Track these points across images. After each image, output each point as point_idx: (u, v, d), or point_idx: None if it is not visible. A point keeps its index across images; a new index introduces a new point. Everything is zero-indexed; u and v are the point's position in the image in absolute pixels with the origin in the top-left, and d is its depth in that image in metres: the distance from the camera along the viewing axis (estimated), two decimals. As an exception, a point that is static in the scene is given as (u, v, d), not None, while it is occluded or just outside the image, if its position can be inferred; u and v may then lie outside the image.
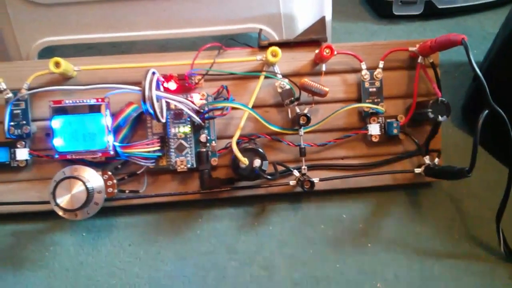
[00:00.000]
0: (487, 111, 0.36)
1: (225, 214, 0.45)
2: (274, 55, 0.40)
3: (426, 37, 0.43)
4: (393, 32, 0.59)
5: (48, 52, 0.46)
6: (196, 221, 0.44)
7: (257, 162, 0.38)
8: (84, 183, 0.36)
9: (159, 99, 0.37)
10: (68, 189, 0.36)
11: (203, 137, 0.42)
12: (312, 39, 0.43)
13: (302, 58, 0.44)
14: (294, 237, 0.44)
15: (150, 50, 0.49)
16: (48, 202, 0.40)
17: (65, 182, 0.36)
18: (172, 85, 0.41)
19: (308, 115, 0.41)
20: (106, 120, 0.39)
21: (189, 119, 0.41)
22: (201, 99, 0.42)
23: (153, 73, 0.37)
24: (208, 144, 0.42)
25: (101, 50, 0.51)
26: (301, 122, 0.40)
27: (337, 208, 0.45)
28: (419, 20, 0.60)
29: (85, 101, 0.39)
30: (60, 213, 0.36)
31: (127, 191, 0.42)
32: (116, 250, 0.43)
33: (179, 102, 0.39)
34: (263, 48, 0.43)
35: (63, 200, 0.35)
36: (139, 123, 0.42)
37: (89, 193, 0.36)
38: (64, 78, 0.42)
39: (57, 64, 0.39)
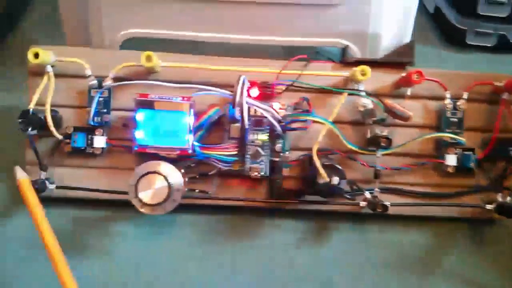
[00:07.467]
0: None
1: (286, 225, 0.45)
2: (363, 74, 0.40)
3: (496, 70, 0.42)
4: (463, 61, 0.59)
5: (125, 43, 0.46)
6: (257, 229, 0.44)
7: (335, 180, 0.38)
8: (166, 179, 0.36)
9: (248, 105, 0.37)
10: (150, 183, 0.36)
11: (278, 147, 0.42)
12: (400, 61, 0.42)
13: (384, 79, 0.43)
14: (354, 258, 0.44)
15: (216, 53, 0.48)
16: (116, 192, 0.41)
17: (148, 176, 0.36)
18: (255, 92, 0.41)
19: (390, 137, 0.40)
20: (189, 119, 0.39)
21: (268, 127, 0.41)
22: (281, 108, 0.42)
23: (244, 80, 0.37)
24: (281, 154, 0.42)
25: (174, 47, 0.51)
26: (382, 144, 0.40)
27: (400, 234, 0.45)
28: (489, 52, 0.59)
29: (170, 97, 0.39)
30: (138, 206, 0.36)
31: (196, 191, 0.42)
32: (176, 247, 0.43)
33: (265, 110, 0.39)
34: (347, 64, 0.43)
35: (145, 194, 0.36)
36: (215, 125, 0.42)
37: (171, 189, 0.36)
38: (148, 72, 0.42)
39: (148, 58, 0.39)
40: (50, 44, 0.42)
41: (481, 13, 0.56)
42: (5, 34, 0.57)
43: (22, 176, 0.39)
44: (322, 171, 0.37)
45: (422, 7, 0.63)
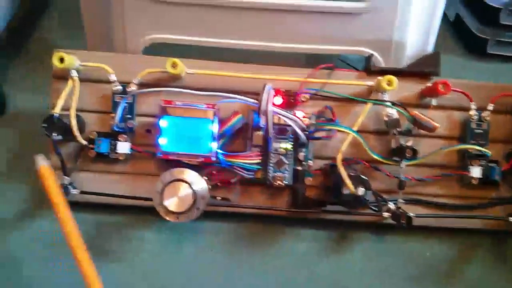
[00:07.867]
0: None
1: (307, 234, 0.44)
2: (389, 84, 0.40)
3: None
4: (484, 70, 0.59)
5: (147, 48, 0.46)
6: (278, 238, 0.44)
7: (361, 191, 0.38)
8: (191, 187, 0.36)
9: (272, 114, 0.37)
10: (175, 191, 0.36)
11: (301, 155, 0.41)
12: (425, 71, 0.42)
13: (408, 88, 0.43)
14: (375, 269, 0.43)
15: (234, 59, 0.48)
16: (139, 198, 0.41)
17: (173, 183, 0.35)
18: (278, 100, 0.41)
19: (415, 148, 0.40)
20: (213, 127, 0.39)
21: (292, 136, 0.41)
22: (304, 117, 0.41)
23: (270, 88, 0.37)
24: (304, 163, 0.42)
25: (195, 52, 0.51)
26: (407, 155, 0.40)
27: (422, 245, 0.44)
28: (510, 62, 0.59)
29: (195, 105, 0.39)
30: (163, 213, 0.36)
31: (218, 198, 0.41)
32: (198, 254, 0.43)
33: (290, 119, 0.38)
34: (372, 73, 0.42)
35: (170, 201, 0.35)
36: (238, 133, 0.42)
37: (196, 197, 0.36)
38: (172, 78, 0.42)
39: (174, 65, 0.39)
40: (69, 46, 0.42)
41: (502, 23, 0.55)
42: (26, 37, 0.57)
43: (43, 163, 0.36)
44: (348, 181, 0.37)
45: (442, 15, 0.62)
